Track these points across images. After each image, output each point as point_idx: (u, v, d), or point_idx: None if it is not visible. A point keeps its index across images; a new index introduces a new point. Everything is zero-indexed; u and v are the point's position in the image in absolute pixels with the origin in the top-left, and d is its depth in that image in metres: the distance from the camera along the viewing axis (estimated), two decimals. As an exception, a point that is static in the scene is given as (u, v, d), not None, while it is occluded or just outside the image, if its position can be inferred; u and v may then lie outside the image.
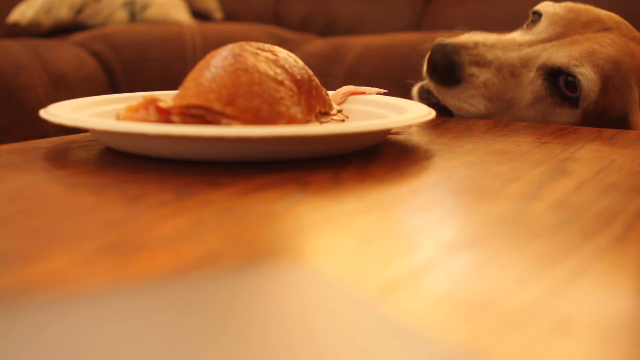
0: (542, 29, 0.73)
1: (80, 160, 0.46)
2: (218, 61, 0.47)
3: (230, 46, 0.49)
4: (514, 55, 0.71)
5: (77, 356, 0.18)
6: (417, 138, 0.56)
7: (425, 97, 0.73)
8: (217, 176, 0.41)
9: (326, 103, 0.53)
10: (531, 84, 0.70)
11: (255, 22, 2.06)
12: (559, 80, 0.70)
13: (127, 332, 0.19)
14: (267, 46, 0.50)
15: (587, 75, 0.69)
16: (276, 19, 2.12)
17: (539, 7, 0.75)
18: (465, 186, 0.40)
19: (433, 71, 0.69)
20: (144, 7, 1.90)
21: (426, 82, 0.71)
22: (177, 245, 0.29)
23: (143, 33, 1.69)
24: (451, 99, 0.68)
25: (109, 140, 0.47)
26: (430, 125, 0.63)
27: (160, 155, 0.44)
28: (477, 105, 0.69)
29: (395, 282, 0.25)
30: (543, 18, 0.74)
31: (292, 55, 0.51)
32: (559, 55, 0.71)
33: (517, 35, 0.74)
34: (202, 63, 0.48)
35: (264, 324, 0.20)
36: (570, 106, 0.70)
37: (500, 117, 0.70)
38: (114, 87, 1.60)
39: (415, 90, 0.74)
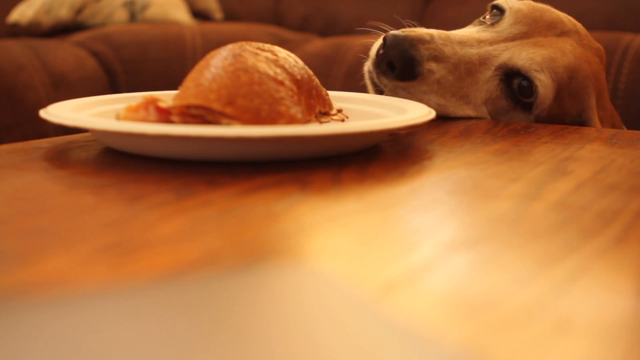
0: (505, 26, 0.71)
1: (80, 160, 0.46)
2: (218, 61, 0.47)
3: (230, 46, 0.49)
4: (473, 51, 0.68)
5: (77, 356, 0.18)
6: (417, 138, 0.56)
7: (374, 83, 0.69)
8: (217, 176, 0.41)
9: (326, 103, 0.53)
10: (486, 83, 0.69)
11: (255, 22, 2.05)
12: (513, 83, 0.68)
13: (127, 332, 0.19)
14: (267, 46, 0.50)
15: (544, 82, 0.68)
16: (276, 19, 2.12)
17: (501, 3, 0.73)
18: (465, 186, 0.40)
19: (388, 66, 0.66)
20: (144, 7, 1.90)
21: (370, 70, 0.68)
22: (177, 245, 0.29)
23: (143, 33, 1.69)
24: (402, 91, 0.65)
25: (109, 140, 0.47)
26: (430, 125, 0.63)
27: (160, 155, 0.44)
28: (428, 101, 0.66)
29: (395, 282, 0.25)
30: (507, 14, 0.71)
31: (292, 55, 0.51)
32: (522, 56, 0.69)
33: (475, 31, 0.71)
34: (202, 63, 0.48)
35: (264, 324, 0.20)
36: (523, 111, 0.69)
37: (453, 112, 0.68)
38: (114, 87, 1.60)
39: (366, 76, 0.71)
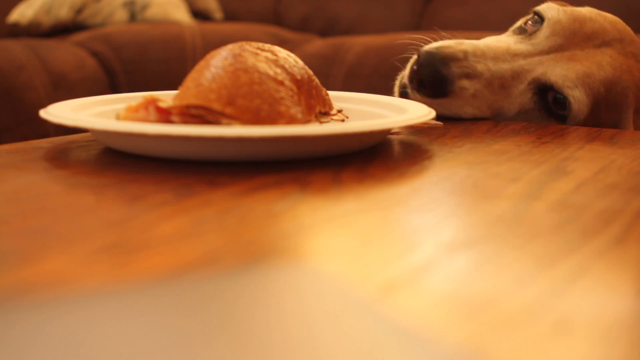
0: (541, 39, 0.70)
1: (80, 160, 0.46)
2: (218, 61, 0.47)
3: (230, 46, 0.49)
4: (505, 67, 0.68)
5: (77, 356, 0.18)
6: (417, 138, 0.56)
7: (405, 92, 0.70)
8: (217, 176, 0.41)
9: (326, 103, 0.53)
10: (520, 96, 0.69)
11: (255, 22, 2.05)
12: (548, 96, 0.68)
13: (127, 332, 0.19)
14: (267, 46, 0.50)
15: (578, 98, 0.67)
16: (276, 19, 2.12)
17: (542, 10, 0.71)
18: (465, 186, 0.40)
19: (419, 84, 0.66)
20: (144, 7, 1.90)
21: (405, 84, 0.69)
22: (177, 245, 0.29)
23: (143, 33, 1.69)
24: (438, 107, 0.65)
25: (109, 140, 0.47)
26: (430, 125, 0.63)
27: (160, 155, 0.44)
28: (465, 112, 0.68)
29: (395, 282, 0.25)
30: (545, 25, 0.70)
31: (292, 55, 0.51)
32: (555, 72, 0.68)
33: (512, 42, 0.71)
34: (202, 63, 0.48)
35: (264, 324, 0.20)
36: (557, 121, 0.69)
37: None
38: (114, 87, 1.60)
39: (397, 85, 0.71)
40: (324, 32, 1.98)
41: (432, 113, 0.51)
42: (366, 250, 0.29)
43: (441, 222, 0.33)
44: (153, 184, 0.39)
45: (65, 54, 1.56)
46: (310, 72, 0.52)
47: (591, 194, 0.39)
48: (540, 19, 0.71)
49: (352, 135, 0.45)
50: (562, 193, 0.39)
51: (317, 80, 0.53)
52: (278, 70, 0.47)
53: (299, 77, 0.49)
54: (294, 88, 0.48)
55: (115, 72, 1.61)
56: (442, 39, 0.70)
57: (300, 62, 0.51)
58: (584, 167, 0.46)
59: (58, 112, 0.46)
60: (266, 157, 0.44)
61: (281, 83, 0.47)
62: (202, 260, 0.27)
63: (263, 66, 0.47)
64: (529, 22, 0.72)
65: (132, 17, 1.89)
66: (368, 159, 0.47)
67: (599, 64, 0.69)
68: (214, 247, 0.29)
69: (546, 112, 0.69)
